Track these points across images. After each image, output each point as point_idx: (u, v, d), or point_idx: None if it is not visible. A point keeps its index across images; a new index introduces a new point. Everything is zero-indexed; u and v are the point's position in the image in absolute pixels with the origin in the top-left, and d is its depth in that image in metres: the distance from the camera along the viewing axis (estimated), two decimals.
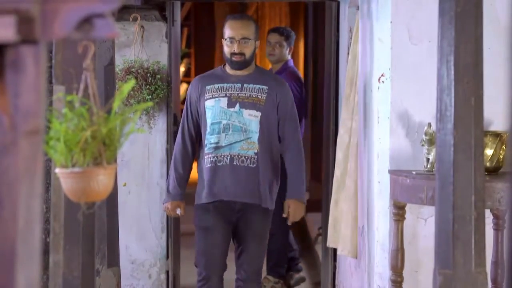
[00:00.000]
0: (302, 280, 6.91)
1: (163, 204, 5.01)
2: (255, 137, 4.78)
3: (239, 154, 4.77)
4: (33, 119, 1.68)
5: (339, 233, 5.29)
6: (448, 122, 2.91)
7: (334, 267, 6.18)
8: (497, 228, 4.33)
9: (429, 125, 4.26)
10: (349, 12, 5.77)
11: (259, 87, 4.84)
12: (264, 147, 4.80)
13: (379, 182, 4.61)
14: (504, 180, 4.09)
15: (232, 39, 4.82)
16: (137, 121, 5.95)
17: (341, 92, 5.91)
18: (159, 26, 6.14)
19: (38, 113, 1.69)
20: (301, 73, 8.47)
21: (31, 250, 1.69)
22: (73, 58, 2.88)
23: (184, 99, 5.05)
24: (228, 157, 4.77)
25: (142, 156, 6.16)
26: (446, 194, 2.91)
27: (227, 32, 4.85)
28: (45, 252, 3.08)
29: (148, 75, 5.96)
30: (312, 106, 9.80)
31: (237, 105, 4.80)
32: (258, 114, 4.79)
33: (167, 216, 6.02)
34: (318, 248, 7.35)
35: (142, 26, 6.07)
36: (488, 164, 4.23)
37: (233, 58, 4.83)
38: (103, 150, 2.19)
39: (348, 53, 5.50)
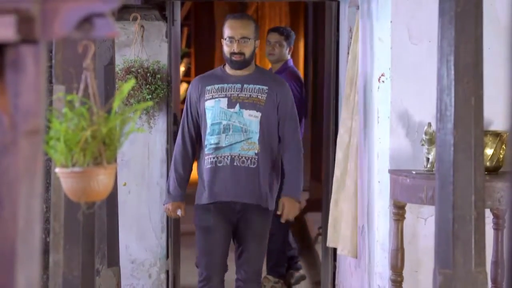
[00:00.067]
0: (303, 278, 6.91)
1: (164, 205, 5.00)
2: (256, 137, 4.78)
3: (239, 154, 4.76)
4: (33, 118, 1.68)
5: (339, 233, 5.29)
6: (448, 122, 2.91)
7: (334, 267, 6.18)
8: (497, 227, 4.33)
9: (429, 124, 4.26)
10: (349, 12, 5.77)
11: (259, 88, 4.83)
12: (264, 147, 4.79)
13: (379, 181, 4.61)
14: (504, 179, 4.09)
15: (231, 38, 4.82)
16: (137, 120, 5.94)
17: (341, 92, 5.91)
18: (159, 26, 6.14)
19: (38, 112, 1.69)
20: (301, 73, 8.46)
21: (31, 250, 1.69)
22: (73, 57, 2.88)
23: (184, 98, 5.05)
24: (229, 158, 4.76)
25: (142, 155, 6.15)
26: (446, 194, 2.91)
27: (227, 31, 4.85)
28: (45, 251, 3.08)
29: (148, 74, 5.96)
30: (312, 106, 9.80)
31: (237, 106, 4.79)
32: (258, 114, 4.79)
33: (167, 216, 6.02)
34: (318, 248, 7.35)
35: (142, 26, 6.06)
36: (488, 163, 4.23)
37: (233, 58, 4.82)
38: (103, 150, 2.19)
39: (348, 53, 5.50)
